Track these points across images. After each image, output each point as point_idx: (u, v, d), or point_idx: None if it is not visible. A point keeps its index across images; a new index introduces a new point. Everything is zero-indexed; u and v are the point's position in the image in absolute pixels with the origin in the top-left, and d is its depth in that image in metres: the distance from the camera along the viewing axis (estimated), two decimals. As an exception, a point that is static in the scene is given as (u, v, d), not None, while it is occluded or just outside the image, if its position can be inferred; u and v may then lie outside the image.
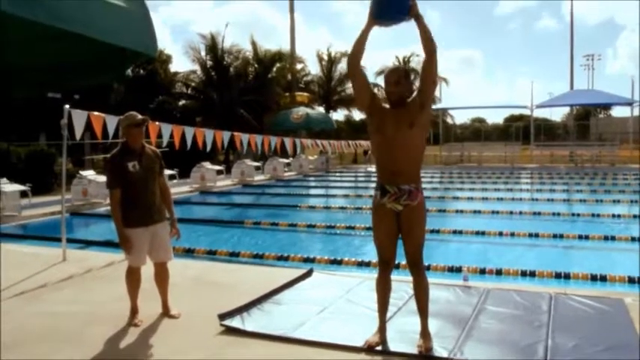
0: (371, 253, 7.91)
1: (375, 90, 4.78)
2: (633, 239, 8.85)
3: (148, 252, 4.93)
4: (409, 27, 3.88)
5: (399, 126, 3.98)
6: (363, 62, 4.10)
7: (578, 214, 12.00)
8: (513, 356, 4.01)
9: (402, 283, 5.47)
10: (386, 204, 4.09)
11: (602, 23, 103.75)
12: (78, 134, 7.72)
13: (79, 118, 7.68)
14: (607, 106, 51.33)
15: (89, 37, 3.52)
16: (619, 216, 11.66)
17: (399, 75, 4.07)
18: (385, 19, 3.94)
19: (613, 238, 8.95)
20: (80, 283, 6.31)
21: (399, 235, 4.18)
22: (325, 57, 37.21)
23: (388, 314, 4.49)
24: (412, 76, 4.20)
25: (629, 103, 29.84)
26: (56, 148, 18.04)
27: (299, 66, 35.36)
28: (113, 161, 4.84)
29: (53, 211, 11.76)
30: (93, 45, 3.74)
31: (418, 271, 4.22)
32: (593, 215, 11.71)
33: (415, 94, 4.07)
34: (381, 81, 38.04)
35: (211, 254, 8.15)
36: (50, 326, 4.82)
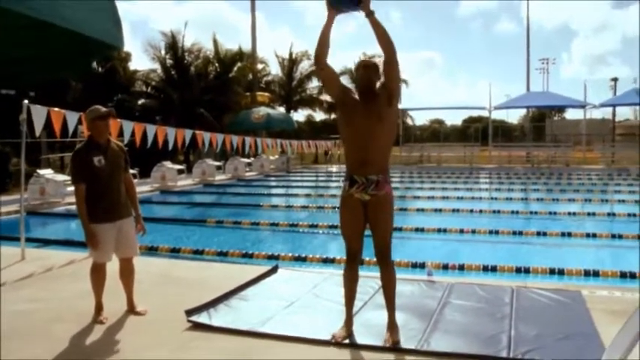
0: (335, 250, 8.01)
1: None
2: (588, 235, 9.18)
3: (114, 248, 4.86)
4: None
5: (369, 117, 4.07)
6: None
7: (536, 212, 12.32)
8: (479, 346, 4.10)
9: (367, 279, 5.53)
10: (354, 194, 4.15)
11: (558, 28, 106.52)
12: (37, 131, 7.54)
13: (39, 114, 7.50)
14: (561, 109, 52.63)
15: (50, 23, 3.44)
16: (574, 214, 12.00)
17: (368, 61, 4.29)
18: (339, 6, 4.05)
19: (569, 235, 9.21)
20: (41, 281, 6.18)
21: (366, 227, 4.24)
22: (286, 56, 37.23)
23: (355, 309, 4.54)
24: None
25: (582, 106, 30.76)
26: (11, 146, 17.57)
27: (260, 66, 35.26)
28: (78, 156, 4.76)
29: (9, 211, 11.47)
30: (55, 33, 3.66)
31: (386, 264, 4.28)
32: (550, 213, 12.04)
33: (381, 89, 4.16)
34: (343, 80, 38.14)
35: (175, 252, 8.08)
36: (13, 324, 4.71)
